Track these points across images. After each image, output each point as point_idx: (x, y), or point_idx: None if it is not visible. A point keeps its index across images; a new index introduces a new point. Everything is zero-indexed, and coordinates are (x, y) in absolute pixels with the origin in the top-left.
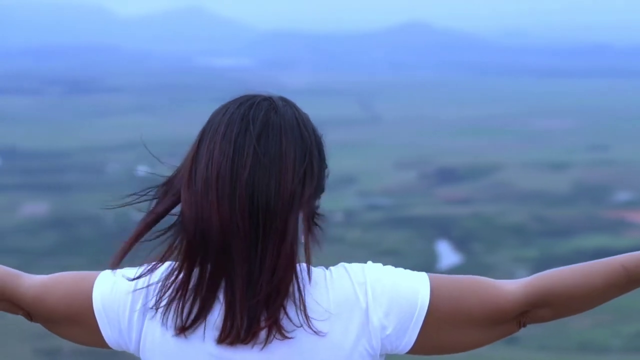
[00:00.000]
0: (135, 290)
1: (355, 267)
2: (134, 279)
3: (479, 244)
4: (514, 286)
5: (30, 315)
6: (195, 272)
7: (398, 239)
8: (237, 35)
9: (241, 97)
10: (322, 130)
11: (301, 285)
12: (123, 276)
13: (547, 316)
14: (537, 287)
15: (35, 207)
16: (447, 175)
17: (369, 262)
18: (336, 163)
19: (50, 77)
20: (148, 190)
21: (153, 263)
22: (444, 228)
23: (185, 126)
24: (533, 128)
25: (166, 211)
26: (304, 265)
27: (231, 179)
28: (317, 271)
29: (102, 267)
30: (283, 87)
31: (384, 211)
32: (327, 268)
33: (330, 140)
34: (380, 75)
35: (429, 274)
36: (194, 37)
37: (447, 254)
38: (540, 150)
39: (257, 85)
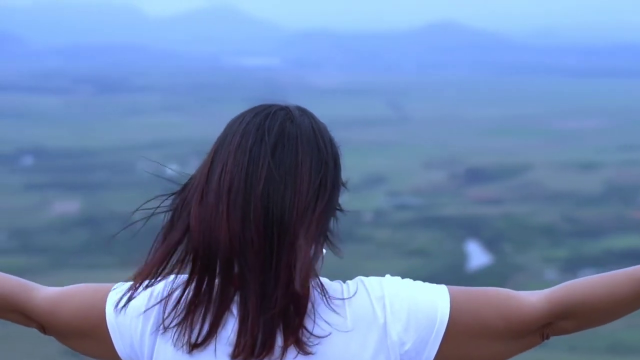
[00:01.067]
0: (147, 307)
1: (372, 281)
2: (146, 291)
3: (508, 244)
4: (535, 298)
5: (43, 329)
6: (206, 286)
7: (427, 239)
8: (266, 35)
9: (257, 107)
10: (351, 131)
11: (317, 300)
12: (135, 290)
13: (570, 328)
14: (559, 299)
15: (66, 206)
16: (477, 175)
17: (387, 276)
18: (365, 163)
19: (80, 76)
20: (165, 199)
21: (164, 277)
22: (473, 228)
23: (213, 126)
24: (563, 128)
25: (181, 239)
26: (321, 279)
27: (245, 190)
28: (334, 285)
29: (132, 267)
30: (312, 87)
31: (413, 211)
32: (344, 282)
33: (360, 140)
34: (409, 74)
35: (448, 286)
36: (223, 37)
37: (477, 254)
38: (570, 150)
39: (286, 85)
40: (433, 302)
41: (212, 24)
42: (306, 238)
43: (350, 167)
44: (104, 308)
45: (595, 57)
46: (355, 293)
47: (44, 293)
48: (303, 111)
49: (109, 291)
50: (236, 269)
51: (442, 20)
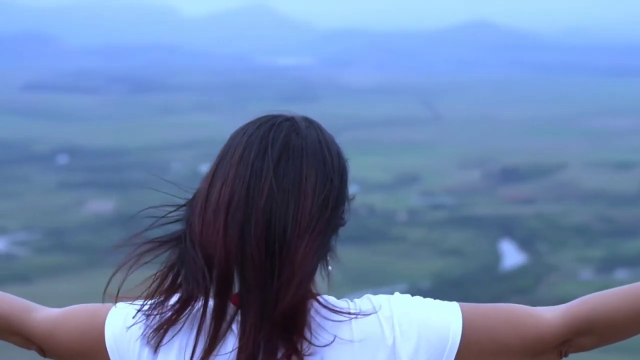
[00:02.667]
0: (146, 327)
1: (381, 300)
2: (144, 312)
3: (543, 244)
4: (552, 314)
5: (43, 351)
6: (203, 304)
7: (461, 239)
8: (299, 34)
9: (262, 117)
10: (384, 130)
11: (320, 318)
12: (133, 311)
13: (589, 344)
14: (577, 315)
15: (100, 205)
16: (511, 175)
17: (396, 294)
18: (399, 162)
19: (114, 76)
20: (172, 210)
21: (162, 296)
22: (507, 228)
23: None
24: (597, 127)
25: (184, 254)
26: (326, 297)
27: (246, 205)
28: (340, 303)
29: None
30: (345, 86)
31: (447, 210)
32: (351, 300)
33: (394, 139)
34: (443, 74)
35: (460, 303)
36: (256, 36)
37: (511, 254)
38: (604, 149)
39: (319, 84)
40: (445, 321)
41: (246, 23)
42: (307, 254)
43: (384, 167)
44: (103, 329)
45: (630, 56)
46: (363, 311)
47: (43, 314)
48: (310, 122)
49: (108, 312)
50: (236, 286)
51: (477, 20)
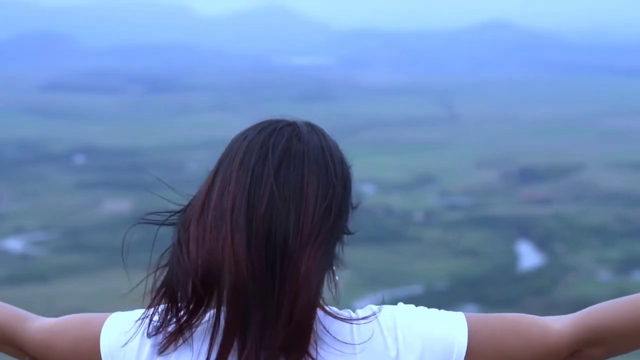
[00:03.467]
0: (142, 339)
1: (384, 311)
2: (140, 323)
3: (560, 245)
4: (560, 324)
5: None
6: (204, 317)
7: (478, 239)
8: (316, 34)
9: (263, 122)
10: (401, 130)
11: (322, 331)
12: (129, 322)
13: (598, 355)
14: (587, 325)
15: (117, 205)
16: (528, 175)
17: (400, 304)
18: (416, 162)
19: (131, 76)
20: (169, 215)
21: (161, 307)
22: (524, 228)
23: None
24: (616, 127)
25: (180, 263)
26: (328, 308)
27: (247, 212)
28: (342, 314)
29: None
30: (362, 86)
31: (464, 211)
32: (353, 311)
33: (410, 139)
34: (461, 74)
35: (466, 314)
36: (273, 36)
37: (528, 255)
38: (622, 149)
39: (336, 84)
40: (449, 332)
41: (263, 23)
42: (310, 265)
43: (401, 167)
44: (99, 340)
45: None
46: (365, 324)
47: (38, 324)
48: (312, 127)
49: (103, 322)
50: (238, 299)
51: (494, 19)
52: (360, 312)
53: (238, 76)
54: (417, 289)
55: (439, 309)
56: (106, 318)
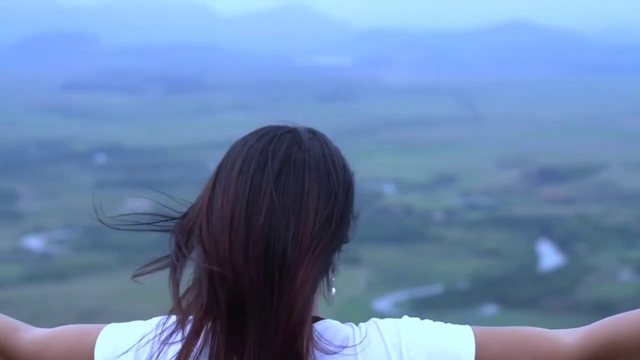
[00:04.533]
0: (137, 352)
1: (388, 325)
2: (135, 333)
3: (582, 245)
4: (571, 337)
5: None
6: (211, 329)
7: (499, 239)
8: (337, 34)
9: (263, 128)
10: (422, 129)
11: (322, 346)
12: (125, 334)
13: None
14: (598, 338)
15: (137, 204)
16: (550, 175)
17: (404, 317)
18: (437, 162)
19: (152, 75)
20: (166, 221)
21: (162, 318)
22: (546, 228)
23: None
24: (637, 127)
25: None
26: (330, 322)
27: (246, 222)
28: (344, 329)
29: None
30: (383, 86)
31: (485, 210)
32: (356, 325)
33: (431, 139)
34: (482, 73)
35: (473, 327)
36: (294, 35)
37: (549, 255)
38: None
39: (357, 83)
40: (456, 346)
41: (284, 22)
42: (306, 276)
43: (422, 167)
44: (93, 353)
45: None
46: (368, 338)
47: (31, 335)
48: (314, 134)
49: (98, 334)
50: (238, 311)
51: (515, 19)
52: (363, 326)
53: (259, 76)
54: (437, 288)
55: (449, 321)
56: (101, 330)
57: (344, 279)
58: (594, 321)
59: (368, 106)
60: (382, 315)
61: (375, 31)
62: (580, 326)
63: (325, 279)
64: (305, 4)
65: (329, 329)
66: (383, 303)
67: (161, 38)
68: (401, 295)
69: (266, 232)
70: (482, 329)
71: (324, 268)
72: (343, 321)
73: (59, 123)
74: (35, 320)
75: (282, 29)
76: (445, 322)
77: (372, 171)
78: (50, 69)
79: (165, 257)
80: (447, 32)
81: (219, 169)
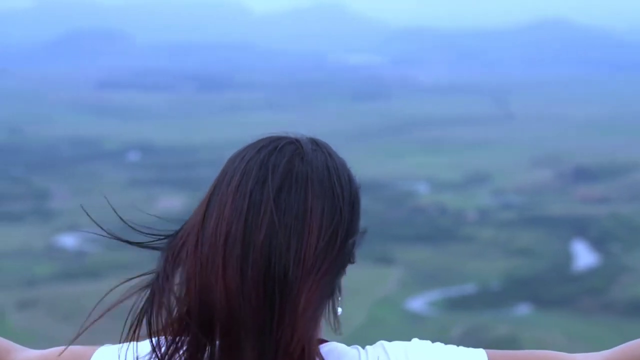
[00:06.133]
0: None
1: (396, 348)
2: (130, 356)
3: (616, 244)
4: None
5: None
6: (200, 352)
7: (532, 239)
8: (370, 32)
9: (263, 139)
10: (455, 128)
11: None
12: (118, 355)
13: None
14: None
15: (170, 202)
16: (584, 174)
17: (414, 340)
18: (470, 161)
19: (184, 73)
20: (157, 238)
21: (155, 341)
22: (580, 228)
23: (317, 123)
24: None
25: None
26: (335, 344)
27: (243, 241)
28: (350, 353)
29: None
30: (416, 84)
31: (518, 210)
32: (362, 348)
33: (464, 137)
34: (515, 72)
35: (488, 351)
36: (327, 34)
37: (583, 255)
38: None
39: (390, 82)
40: None
41: (316, 21)
42: (310, 298)
43: (455, 166)
44: None
45: None
46: None
47: (23, 357)
48: (317, 145)
49: (91, 355)
50: (232, 335)
51: (549, 17)
52: (370, 350)
53: (292, 74)
54: (470, 288)
55: (457, 346)
56: (94, 351)
57: (376, 278)
58: (628, 322)
59: (401, 105)
60: (414, 315)
61: (409, 30)
62: (614, 326)
63: (330, 301)
64: (339, 3)
65: (333, 352)
66: (416, 302)
67: (194, 37)
68: (434, 294)
69: (266, 252)
70: (497, 352)
71: (328, 290)
72: (373, 323)
73: (92, 121)
74: (68, 318)
75: (315, 28)
76: (458, 345)
77: (405, 170)
78: (84, 67)
79: (149, 273)
80: (481, 31)
81: (216, 184)
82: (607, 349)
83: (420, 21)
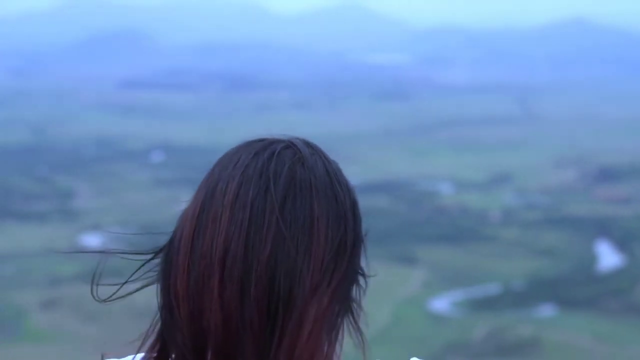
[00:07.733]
0: None
1: None
2: None
3: None
4: None
5: None
6: None
7: (556, 239)
8: (394, 32)
9: (254, 142)
10: (479, 128)
11: None
12: None
13: None
14: None
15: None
16: (608, 174)
17: None
18: (494, 161)
19: (209, 73)
20: (151, 258)
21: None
22: (604, 228)
23: (341, 123)
24: None
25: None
26: None
27: (245, 258)
28: None
29: None
30: (440, 84)
31: (541, 210)
32: None
33: (488, 137)
34: (540, 72)
35: None
36: (351, 34)
37: (607, 255)
38: None
39: (414, 82)
40: None
41: (340, 21)
42: (318, 316)
43: (479, 166)
44: None
45: None
46: None
47: None
48: (312, 148)
49: None
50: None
51: (575, 17)
52: None
53: (316, 74)
54: (494, 288)
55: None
56: None
57: (400, 278)
58: None
59: (425, 105)
60: (438, 315)
61: (434, 30)
62: (638, 327)
63: (348, 317)
64: (363, 3)
65: None
66: (439, 302)
67: (219, 37)
68: (457, 294)
69: (272, 268)
70: None
71: (338, 305)
72: (397, 323)
73: (116, 121)
74: (92, 318)
75: (340, 28)
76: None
77: (428, 170)
78: (109, 67)
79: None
80: (507, 30)
81: (206, 191)
82: (631, 349)
83: (445, 21)
